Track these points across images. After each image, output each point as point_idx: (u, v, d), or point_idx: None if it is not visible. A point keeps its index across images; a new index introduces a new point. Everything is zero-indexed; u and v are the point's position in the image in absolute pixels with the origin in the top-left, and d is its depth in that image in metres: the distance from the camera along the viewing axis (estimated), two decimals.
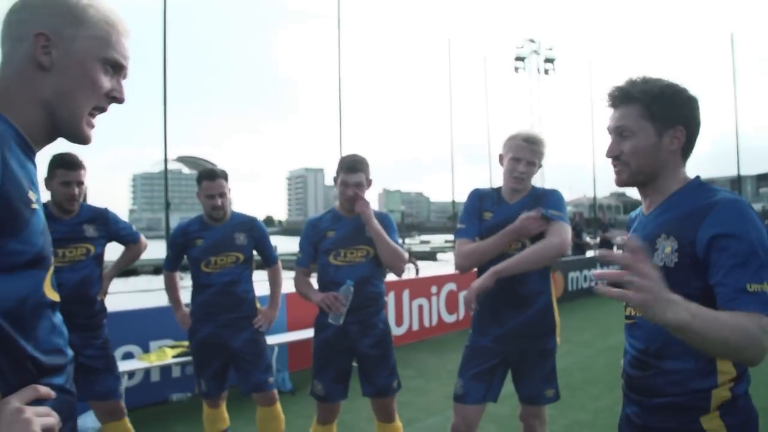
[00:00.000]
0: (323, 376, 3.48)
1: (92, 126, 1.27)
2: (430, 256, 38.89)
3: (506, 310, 3.06)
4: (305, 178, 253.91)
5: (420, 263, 23.07)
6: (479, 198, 3.22)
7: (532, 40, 37.76)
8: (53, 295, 1.22)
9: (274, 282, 4.09)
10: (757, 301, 1.47)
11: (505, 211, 3.12)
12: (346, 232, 3.49)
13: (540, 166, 3.15)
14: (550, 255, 2.98)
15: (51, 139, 1.25)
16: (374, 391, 3.51)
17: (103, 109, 1.27)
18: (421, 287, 8.70)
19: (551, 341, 3.14)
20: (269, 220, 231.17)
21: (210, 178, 3.78)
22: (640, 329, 1.76)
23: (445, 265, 25.60)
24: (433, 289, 8.83)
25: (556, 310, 3.16)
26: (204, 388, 3.86)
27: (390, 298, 8.05)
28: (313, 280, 3.67)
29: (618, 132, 1.76)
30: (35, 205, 1.15)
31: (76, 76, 1.20)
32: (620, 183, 1.80)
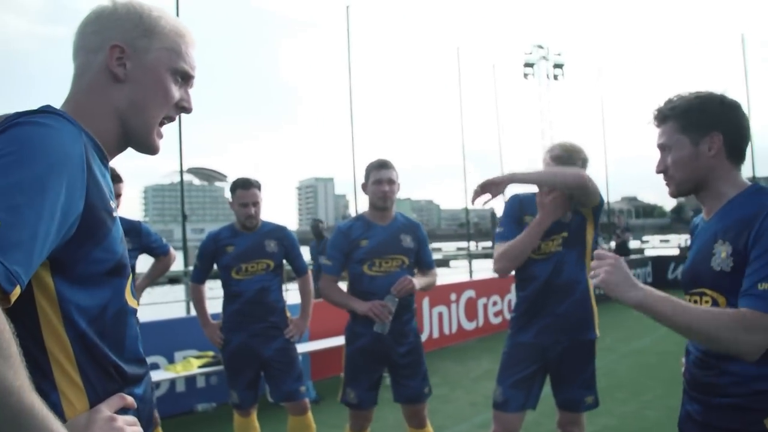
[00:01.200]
0: (357, 385, 3.48)
1: (161, 136, 1.29)
2: (443, 263, 38.73)
3: (546, 301, 3.06)
4: (315, 187, 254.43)
5: (440, 270, 23.01)
6: (519, 203, 3.20)
7: (540, 46, 37.87)
8: (133, 303, 1.23)
9: (305, 292, 4.10)
10: (761, 299, 1.55)
11: None
12: (380, 240, 3.49)
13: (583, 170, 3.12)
14: (574, 178, 2.96)
15: (121, 149, 1.27)
16: (407, 397, 3.51)
17: (171, 119, 1.29)
18: (441, 295, 8.68)
19: (591, 332, 3.11)
20: None
21: (244, 187, 3.82)
22: None
23: (459, 272, 25.53)
24: (452, 297, 8.81)
25: (593, 299, 3.14)
26: (236, 399, 3.87)
27: None
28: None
29: (662, 149, 1.89)
30: (115, 214, 1.16)
31: (149, 87, 1.22)
32: (671, 195, 1.92)
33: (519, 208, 3.19)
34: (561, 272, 3.05)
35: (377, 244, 3.48)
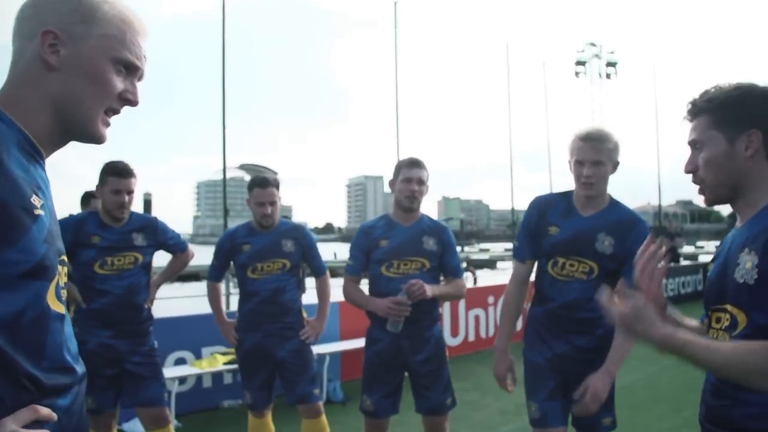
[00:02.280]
0: (373, 392, 3.36)
1: (107, 125, 1.19)
2: (490, 264, 38.46)
3: (562, 328, 2.79)
4: (364, 185, 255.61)
5: (479, 272, 22.80)
6: (539, 209, 2.85)
7: (593, 44, 37.06)
8: (59, 307, 1.13)
9: (323, 293, 4.00)
10: None
11: (576, 225, 2.73)
12: (400, 241, 3.36)
13: (615, 164, 2.72)
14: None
15: (63, 141, 1.19)
16: (427, 408, 3.37)
17: (115, 111, 1.20)
18: (478, 297, 8.49)
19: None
20: (329, 227, 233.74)
21: (261, 185, 3.73)
22: None
23: (505, 273, 25.19)
24: (490, 299, 8.60)
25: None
26: (250, 400, 3.80)
27: (445, 309, 7.88)
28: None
29: (692, 146, 1.67)
30: (40, 211, 1.06)
31: (86, 76, 1.13)
32: (707, 203, 1.69)
33: (538, 215, 2.85)
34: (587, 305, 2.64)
35: (397, 244, 3.35)
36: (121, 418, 4.80)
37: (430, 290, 3.23)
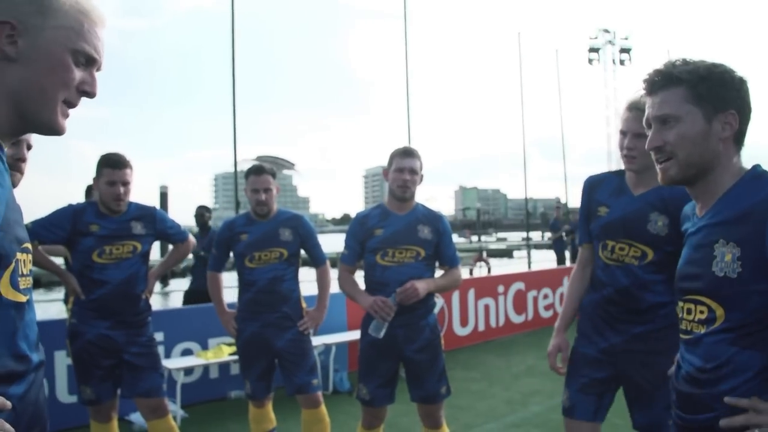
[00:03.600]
0: (369, 381, 3.35)
1: (66, 116, 1.19)
2: (507, 253, 38.31)
3: (616, 316, 2.52)
4: (381, 175, 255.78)
5: (495, 261, 22.68)
6: (589, 189, 2.67)
7: (606, 30, 36.55)
8: (15, 296, 1.12)
9: (322, 283, 3.98)
10: None
11: (626, 205, 2.51)
12: (395, 230, 3.34)
13: None
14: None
15: (20, 132, 1.18)
16: (421, 396, 3.35)
17: (72, 104, 1.19)
18: (487, 286, 8.43)
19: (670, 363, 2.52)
20: (346, 218, 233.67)
21: (256, 173, 3.73)
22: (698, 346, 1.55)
23: (521, 262, 25.04)
24: (500, 289, 8.54)
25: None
26: (249, 390, 3.80)
27: (454, 298, 7.85)
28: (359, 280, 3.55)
29: (660, 120, 1.55)
30: None
31: (44, 67, 1.13)
32: (668, 180, 1.58)
33: (589, 196, 2.67)
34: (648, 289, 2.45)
35: (392, 233, 3.33)
36: (128, 409, 4.84)
37: (423, 289, 3.20)
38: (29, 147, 2.17)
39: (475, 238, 53.14)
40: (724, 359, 1.46)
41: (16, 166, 2.10)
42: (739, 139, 1.53)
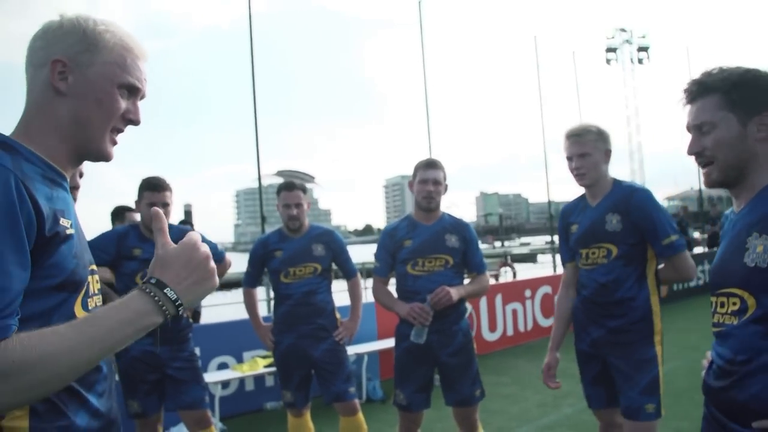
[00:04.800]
0: (405, 386, 3.45)
1: (115, 143, 1.31)
2: (530, 258, 38.11)
3: (597, 313, 2.92)
4: (402, 185, 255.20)
5: (519, 266, 22.60)
6: (563, 216, 3.15)
7: (623, 30, 36.36)
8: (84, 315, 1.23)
9: (354, 294, 4.11)
10: None
11: (589, 217, 2.96)
12: (423, 240, 3.45)
13: (605, 152, 2.91)
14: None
15: (79, 161, 1.30)
16: (456, 400, 3.44)
17: (120, 131, 1.30)
18: (515, 291, 8.48)
19: (651, 350, 2.84)
20: (368, 229, 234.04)
21: (288, 189, 3.86)
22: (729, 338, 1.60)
23: (545, 267, 24.94)
24: (527, 293, 8.58)
25: (656, 317, 2.87)
26: (290, 399, 3.91)
27: (482, 303, 7.92)
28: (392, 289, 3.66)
29: (697, 128, 1.64)
30: (71, 230, 1.18)
31: (92, 101, 1.24)
32: (711, 183, 1.67)
33: (564, 220, 3.13)
34: (619, 287, 2.86)
35: (421, 243, 3.44)
36: (169, 423, 4.97)
37: (455, 294, 3.31)
38: (81, 174, 2.32)
39: (498, 243, 52.97)
40: (754, 352, 1.50)
41: (71, 193, 2.24)
42: None
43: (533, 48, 16.74)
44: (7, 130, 1.23)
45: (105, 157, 1.30)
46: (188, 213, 29.39)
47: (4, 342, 1.00)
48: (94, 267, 1.32)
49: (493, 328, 8.04)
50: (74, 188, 2.26)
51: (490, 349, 7.83)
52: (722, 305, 1.61)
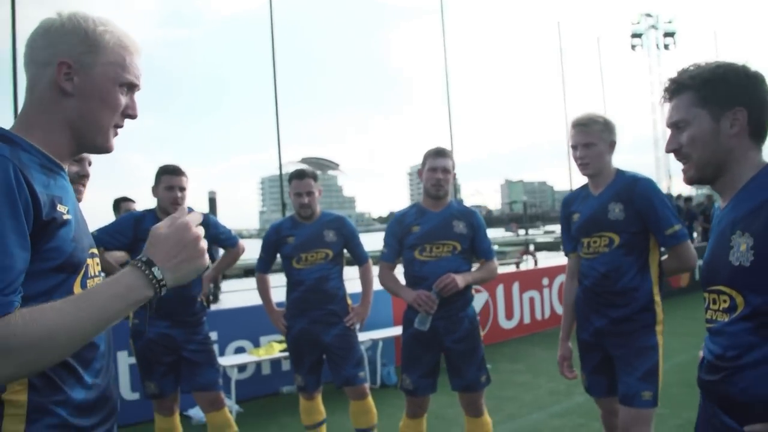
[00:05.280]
0: (412, 371, 3.51)
1: (116, 135, 1.39)
2: (555, 246, 37.80)
3: (599, 303, 2.94)
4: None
5: (543, 254, 22.50)
6: (565, 205, 3.18)
7: (649, 15, 35.67)
8: None
9: (366, 280, 4.16)
10: None
11: (591, 205, 2.98)
12: (431, 226, 3.50)
13: (610, 143, 2.93)
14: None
15: (76, 153, 1.37)
16: (462, 385, 3.49)
17: (119, 126, 1.38)
18: (532, 279, 8.48)
19: (652, 338, 2.87)
20: (392, 216, 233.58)
21: (299, 177, 3.92)
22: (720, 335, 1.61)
23: None
24: (545, 281, 8.58)
25: (657, 305, 2.90)
26: (302, 382, 4.00)
27: (499, 291, 7.94)
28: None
29: (674, 126, 1.67)
30: (68, 216, 1.26)
31: (97, 100, 1.31)
32: (689, 181, 1.69)
33: (566, 209, 3.15)
34: (621, 277, 2.88)
35: (428, 229, 3.49)
36: (187, 405, 5.11)
37: (461, 281, 3.36)
38: (90, 163, 2.41)
39: (522, 231, 52.71)
40: (744, 348, 1.51)
41: (81, 181, 2.33)
42: (756, 133, 1.58)
43: (557, 34, 16.62)
44: None
45: (108, 150, 1.38)
46: (212, 200, 29.93)
47: (6, 317, 1.08)
48: (95, 250, 1.40)
49: (509, 315, 8.06)
50: (85, 176, 2.35)
51: (506, 336, 7.86)
52: (714, 302, 1.62)
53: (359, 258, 4.14)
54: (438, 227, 3.48)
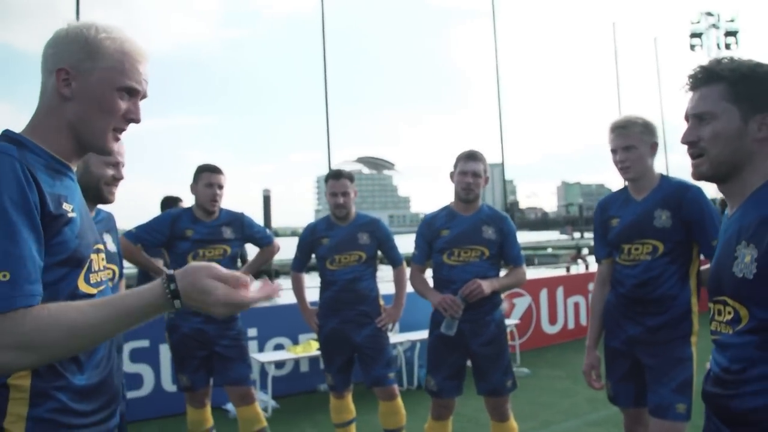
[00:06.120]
0: (436, 373, 3.51)
1: (117, 140, 1.45)
2: None
3: (634, 310, 2.85)
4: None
5: (593, 258, 21.99)
6: (601, 209, 3.04)
7: (709, 13, 34.33)
8: (88, 289, 1.40)
9: (399, 282, 4.18)
10: None
11: (633, 211, 2.86)
12: (460, 231, 3.50)
13: (651, 145, 2.82)
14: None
15: (83, 153, 1.44)
16: (487, 389, 3.47)
17: (122, 129, 1.44)
18: (577, 284, 8.32)
19: (687, 349, 2.78)
20: None
21: (335, 177, 3.98)
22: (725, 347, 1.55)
23: None
24: (590, 286, 8.38)
25: (694, 316, 2.80)
26: (332, 381, 4.05)
27: (543, 295, 7.84)
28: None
29: (697, 117, 1.57)
30: (72, 214, 1.33)
31: (94, 104, 1.37)
32: (699, 176, 1.60)
33: (601, 214, 3.02)
34: (660, 284, 2.78)
35: (457, 234, 3.49)
36: (225, 399, 5.22)
37: (488, 287, 3.34)
38: (122, 165, 2.51)
39: (577, 234, 51.73)
40: (748, 362, 1.45)
41: (115, 183, 2.46)
42: None
43: (612, 35, 16.28)
44: None
45: (107, 152, 1.45)
46: (267, 198, 30.13)
47: (33, 311, 1.16)
48: (100, 246, 1.48)
49: (553, 320, 7.94)
50: (118, 179, 2.47)
51: (548, 342, 7.74)
52: (719, 313, 1.56)
53: (393, 260, 4.16)
54: (467, 232, 3.47)
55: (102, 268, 1.47)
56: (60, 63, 1.35)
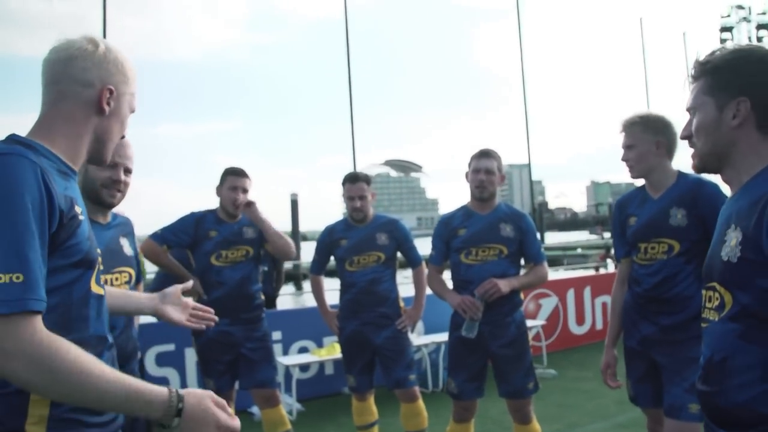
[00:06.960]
0: (457, 375, 3.50)
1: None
2: None
3: (650, 310, 2.82)
4: (510, 174, 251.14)
5: None
6: (620, 207, 3.03)
7: (740, 7, 33.62)
8: (99, 290, 1.46)
9: (419, 283, 4.17)
10: None
11: (650, 209, 2.84)
12: (477, 229, 3.48)
13: (658, 143, 2.76)
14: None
15: (86, 161, 1.51)
16: (508, 391, 3.45)
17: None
18: (604, 283, 8.16)
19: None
20: None
21: (352, 181, 3.99)
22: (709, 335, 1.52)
23: None
24: None
25: None
26: (353, 383, 4.05)
27: (570, 296, 7.76)
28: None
29: (689, 112, 1.61)
30: (81, 217, 1.38)
31: (118, 123, 1.51)
32: (695, 169, 1.64)
33: (619, 212, 2.99)
34: (675, 284, 2.75)
35: (474, 232, 3.47)
36: (250, 402, 5.26)
37: (506, 285, 3.31)
38: (127, 171, 2.53)
39: (607, 234, 51.02)
40: (728, 352, 1.43)
41: (115, 186, 2.48)
42: (764, 125, 1.47)
43: (639, 30, 16.07)
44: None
45: (105, 163, 1.56)
46: (294, 202, 30.27)
47: (37, 322, 1.19)
48: (99, 250, 1.52)
49: (580, 321, 7.85)
50: (117, 182, 2.51)
51: (576, 343, 7.66)
52: (709, 300, 1.53)
53: (412, 261, 4.16)
54: (484, 230, 3.45)
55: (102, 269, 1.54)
56: (105, 81, 1.44)
